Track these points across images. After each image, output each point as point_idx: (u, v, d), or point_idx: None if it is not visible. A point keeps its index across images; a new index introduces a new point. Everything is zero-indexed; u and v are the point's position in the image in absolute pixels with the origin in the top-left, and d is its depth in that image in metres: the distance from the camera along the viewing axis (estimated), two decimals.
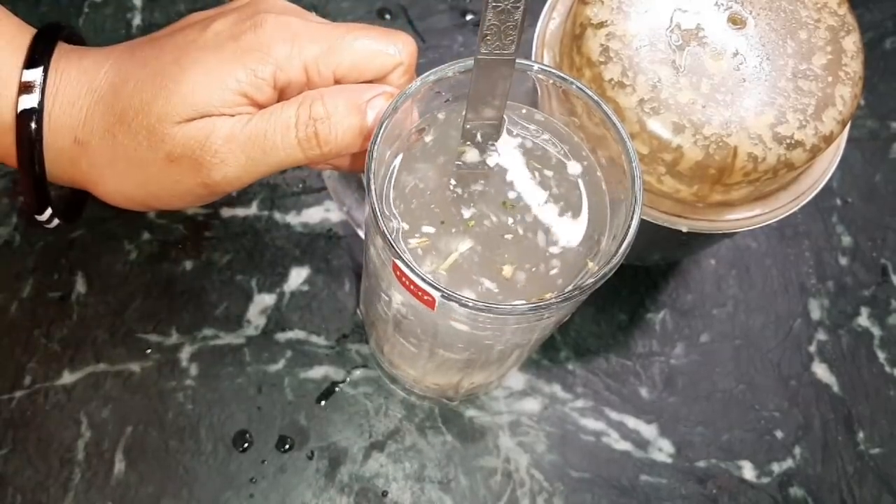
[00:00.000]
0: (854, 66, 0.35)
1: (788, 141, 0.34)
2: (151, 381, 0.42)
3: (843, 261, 0.49)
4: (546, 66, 0.30)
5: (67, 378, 0.42)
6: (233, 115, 0.31)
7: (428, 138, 0.31)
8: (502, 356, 0.36)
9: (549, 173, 0.31)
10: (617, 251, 0.28)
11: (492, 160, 0.31)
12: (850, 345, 0.47)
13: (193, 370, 0.43)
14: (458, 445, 0.43)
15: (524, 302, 0.29)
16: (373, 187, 0.28)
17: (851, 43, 0.36)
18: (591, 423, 0.44)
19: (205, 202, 0.34)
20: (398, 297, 0.31)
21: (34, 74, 0.31)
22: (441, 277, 0.29)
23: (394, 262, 0.27)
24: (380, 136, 0.29)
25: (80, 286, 0.44)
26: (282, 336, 0.44)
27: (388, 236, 0.27)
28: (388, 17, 0.52)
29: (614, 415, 0.44)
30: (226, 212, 0.46)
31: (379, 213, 0.28)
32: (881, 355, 0.47)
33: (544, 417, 0.44)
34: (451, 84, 0.30)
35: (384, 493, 0.42)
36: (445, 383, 0.41)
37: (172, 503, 0.40)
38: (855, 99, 0.35)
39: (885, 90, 0.54)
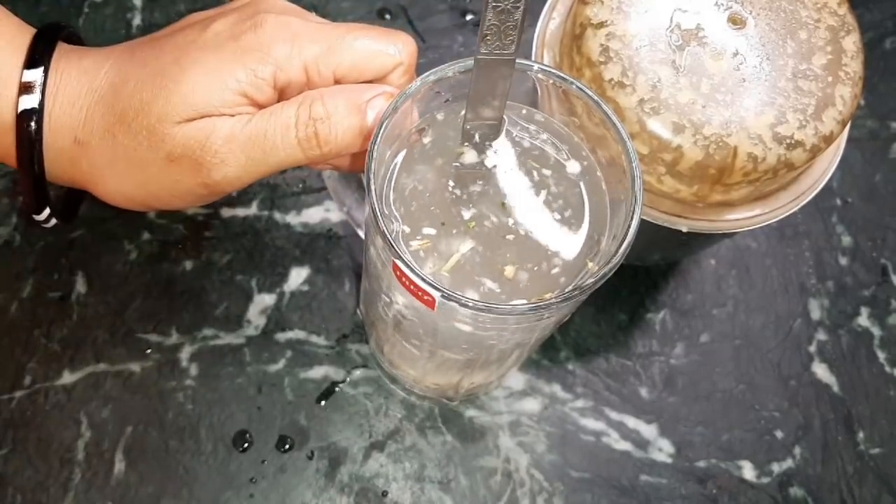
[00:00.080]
0: (854, 66, 0.35)
1: (788, 141, 0.34)
2: (151, 381, 0.42)
3: (843, 261, 0.49)
4: (546, 66, 0.30)
5: (67, 378, 0.42)
6: (233, 116, 0.31)
7: (426, 139, 0.31)
8: (502, 356, 0.36)
9: (548, 173, 0.31)
10: (617, 251, 0.28)
11: (491, 161, 0.31)
12: (850, 345, 0.47)
13: (193, 370, 0.43)
14: (458, 445, 0.43)
15: (524, 302, 0.29)
16: (373, 187, 0.28)
17: (851, 43, 0.36)
18: (591, 423, 0.44)
19: (205, 202, 0.34)
20: (398, 298, 0.31)
21: (34, 74, 0.31)
22: (444, 279, 0.29)
23: (394, 263, 0.27)
24: (380, 136, 0.29)
25: (80, 286, 0.44)
26: (282, 336, 0.44)
27: (388, 236, 0.27)
28: (388, 17, 0.52)
29: (614, 415, 0.44)
30: (226, 212, 0.46)
31: (379, 213, 0.28)
32: (881, 355, 0.47)
33: (544, 417, 0.44)
34: (451, 84, 0.30)
35: (384, 493, 0.42)
36: (445, 383, 0.41)
37: (172, 503, 0.40)
38: (855, 99, 0.35)
39: (885, 90, 0.54)
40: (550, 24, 0.39)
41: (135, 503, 0.40)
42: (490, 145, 0.31)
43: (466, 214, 0.30)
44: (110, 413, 0.42)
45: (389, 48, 0.32)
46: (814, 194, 0.38)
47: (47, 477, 0.40)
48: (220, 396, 0.42)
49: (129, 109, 0.31)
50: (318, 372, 0.43)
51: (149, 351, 0.43)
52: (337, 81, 0.32)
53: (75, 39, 0.35)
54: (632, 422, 0.44)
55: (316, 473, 0.42)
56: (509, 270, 0.30)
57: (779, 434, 0.45)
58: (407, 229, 0.30)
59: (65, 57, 0.32)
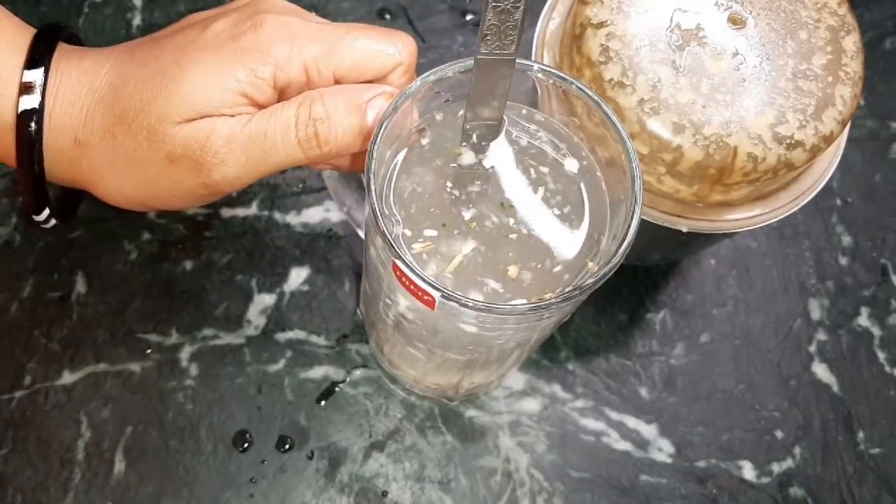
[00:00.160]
0: (854, 66, 0.35)
1: (788, 141, 0.34)
2: (151, 381, 0.42)
3: (843, 261, 0.49)
4: (546, 66, 0.30)
5: (67, 378, 0.42)
6: (233, 116, 0.31)
7: (425, 140, 0.31)
8: (502, 356, 0.36)
9: (548, 173, 0.31)
10: (617, 251, 0.28)
11: (489, 161, 0.31)
12: (850, 345, 0.47)
13: (193, 370, 0.43)
14: (458, 445, 0.43)
15: (524, 302, 0.29)
16: (373, 187, 0.28)
17: (851, 43, 0.36)
18: (591, 423, 0.44)
19: (205, 202, 0.34)
20: (399, 298, 0.31)
21: (35, 75, 0.31)
22: (447, 280, 0.29)
23: (394, 263, 0.27)
24: (380, 136, 0.29)
25: (80, 286, 0.44)
26: (282, 336, 0.44)
27: (388, 236, 0.27)
28: (388, 17, 0.52)
29: (614, 415, 0.44)
30: (226, 212, 0.46)
31: (379, 213, 0.28)
32: (881, 355, 0.47)
33: (544, 417, 0.44)
34: (451, 84, 0.30)
35: (384, 493, 0.42)
36: (445, 383, 0.41)
37: (172, 503, 0.40)
38: (855, 99, 0.35)
39: (885, 90, 0.54)
40: (550, 24, 0.39)
41: (135, 503, 0.40)
42: (489, 145, 0.31)
43: (467, 215, 0.30)
44: (110, 413, 0.42)
45: (389, 48, 0.32)
46: (814, 194, 0.38)
47: (47, 477, 0.40)
48: (220, 396, 0.42)
49: (130, 110, 0.31)
50: (318, 372, 0.43)
51: (149, 351, 0.43)
52: (337, 81, 0.32)
53: (75, 40, 0.35)
54: (632, 422, 0.44)
55: (316, 473, 0.42)
56: (512, 270, 0.30)
57: (779, 434, 0.45)
58: (408, 232, 0.30)
59: (65, 57, 0.32)
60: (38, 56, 0.32)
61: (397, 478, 0.42)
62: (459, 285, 0.29)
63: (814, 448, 0.44)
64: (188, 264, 0.45)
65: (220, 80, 0.30)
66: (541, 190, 0.31)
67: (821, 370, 0.46)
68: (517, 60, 0.29)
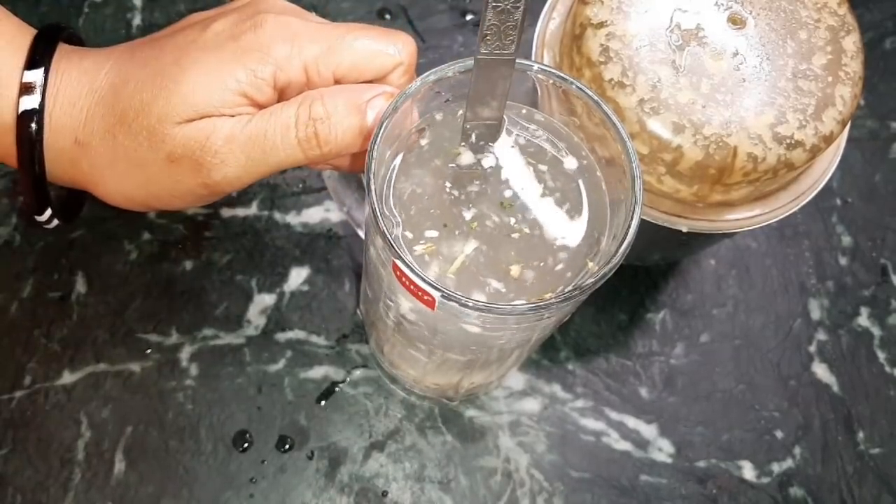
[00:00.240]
0: (854, 66, 0.35)
1: (788, 141, 0.34)
2: (151, 381, 0.42)
3: (843, 261, 0.49)
4: (546, 66, 0.30)
5: (67, 378, 0.42)
6: (233, 116, 0.31)
7: (424, 141, 0.31)
8: (502, 356, 0.36)
9: (549, 173, 0.31)
10: (617, 251, 0.28)
11: (489, 161, 0.31)
12: (850, 345, 0.47)
13: (193, 370, 0.43)
14: (458, 445, 0.43)
15: (524, 302, 0.29)
16: (373, 187, 0.28)
17: (851, 43, 0.36)
18: (591, 423, 0.44)
19: (205, 202, 0.34)
20: (399, 298, 0.31)
21: (35, 75, 0.31)
22: (449, 281, 0.29)
23: (394, 263, 0.27)
24: (380, 136, 0.29)
25: (80, 286, 0.44)
26: (282, 336, 0.44)
27: (388, 236, 0.27)
28: (388, 17, 0.52)
29: (614, 415, 0.44)
30: (226, 212, 0.46)
31: (379, 213, 0.28)
32: (881, 355, 0.47)
33: (544, 417, 0.44)
34: (451, 84, 0.30)
35: (384, 493, 0.42)
36: (445, 383, 0.41)
37: (172, 503, 0.40)
38: (855, 99, 0.35)
39: (885, 90, 0.54)
40: (550, 24, 0.39)
41: (135, 503, 0.40)
42: (488, 146, 0.31)
43: (467, 215, 0.30)
44: (110, 413, 0.42)
45: (389, 48, 0.32)
46: (814, 194, 0.38)
47: (47, 477, 0.40)
48: (220, 396, 0.42)
49: (130, 110, 0.31)
50: (318, 372, 0.43)
51: (149, 351, 0.43)
52: (337, 81, 0.32)
53: (76, 40, 0.35)
54: (632, 422, 0.44)
55: (316, 473, 0.42)
56: (515, 269, 0.30)
57: (779, 434, 0.45)
58: (410, 235, 0.30)
59: (65, 58, 0.32)
60: (39, 56, 0.32)
61: (397, 478, 0.42)
62: (462, 286, 0.29)
63: (814, 448, 0.44)
64: (188, 264, 0.45)
65: (220, 81, 0.30)
66: (541, 189, 0.31)
67: (821, 370, 0.46)
68: (517, 60, 0.29)
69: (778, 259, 0.48)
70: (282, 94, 0.32)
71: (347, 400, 0.43)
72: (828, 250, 0.49)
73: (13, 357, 0.42)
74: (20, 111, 0.31)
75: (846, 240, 0.49)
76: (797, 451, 0.44)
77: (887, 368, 0.47)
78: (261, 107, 0.31)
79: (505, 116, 0.31)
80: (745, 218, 0.37)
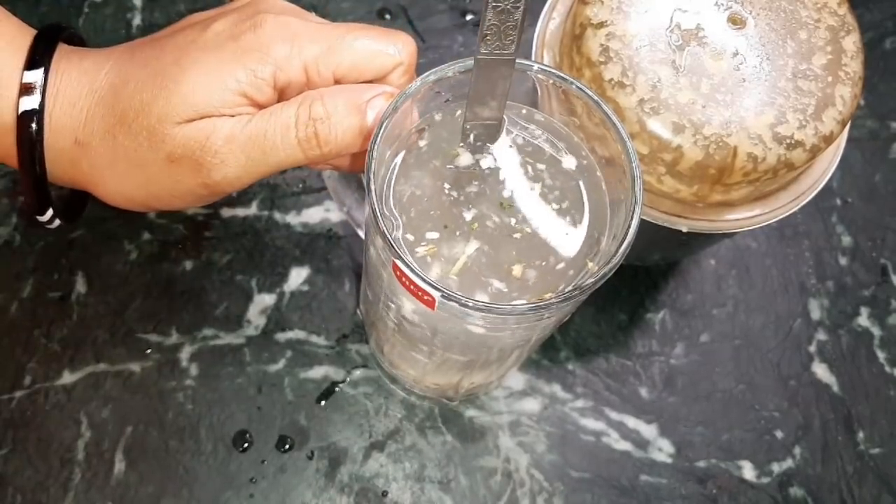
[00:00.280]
0: (854, 66, 0.35)
1: (788, 141, 0.34)
2: (151, 381, 0.42)
3: (843, 261, 0.49)
4: (546, 66, 0.30)
5: (67, 378, 0.42)
6: (233, 116, 0.31)
7: (423, 142, 0.31)
8: (502, 356, 0.36)
9: (548, 173, 0.31)
10: (617, 251, 0.28)
11: (488, 161, 0.31)
12: (850, 345, 0.47)
13: (193, 370, 0.43)
14: (458, 445, 0.43)
15: (524, 302, 0.29)
16: (373, 187, 0.28)
17: (851, 43, 0.36)
18: (591, 423, 0.44)
19: (205, 202, 0.34)
20: (399, 298, 0.31)
21: (35, 76, 0.31)
22: (452, 282, 0.29)
23: (394, 263, 0.27)
24: (380, 136, 0.29)
25: (80, 286, 0.44)
26: (282, 336, 0.44)
27: (388, 236, 0.27)
28: (388, 17, 0.52)
29: (614, 415, 0.44)
30: (226, 212, 0.46)
31: (379, 213, 0.28)
32: (881, 355, 0.47)
33: (544, 417, 0.44)
34: (451, 84, 0.30)
35: (384, 493, 0.42)
36: (445, 383, 0.41)
37: (172, 503, 0.40)
38: (855, 99, 0.35)
39: (885, 90, 0.54)
40: (550, 24, 0.39)
41: (135, 503, 0.40)
42: (487, 146, 0.31)
43: (468, 216, 0.30)
44: (110, 413, 0.42)
45: (389, 48, 0.32)
46: (814, 194, 0.38)
47: (47, 477, 0.40)
48: (220, 396, 0.42)
49: (130, 110, 0.31)
50: (318, 372, 0.43)
51: (149, 351, 0.43)
52: (337, 81, 0.32)
53: (77, 40, 0.35)
54: (632, 422, 0.44)
55: (316, 473, 0.42)
56: (517, 269, 0.30)
57: (779, 434, 0.45)
58: (411, 237, 0.30)
59: (65, 58, 0.32)
60: (39, 57, 0.32)
61: (397, 478, 0.42)
62: (464, 287, 0.29)
63: (814, 448, 0.44)
64: (188, 264, 0.45)
65: (220, 81, 0.30)
66: (541, 188, 0.31)
67: (821, 370, 0.46)
68: (517, 60, 0.29)
69: (778, 259, 0.48)
70: (282, 94, 0.32)
71: (347, 400, 0.43)
72: (828, 250, 0.49)
73: (13, 357, 0.42)
74: (20, 111, 0.31)
75: (846, 240, 0.49)
76: (797, 451, 0.44)
77: (887, 368, 0.47)
78: (261, 107, 0.31)
79: (505, 116, 0.31)
80: (745, 218, 0.37)
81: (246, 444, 0.42)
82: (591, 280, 0.28)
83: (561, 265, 0.30)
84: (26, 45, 0.32)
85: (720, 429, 0.44)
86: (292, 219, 0.46)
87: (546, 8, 0.40)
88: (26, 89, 0.31)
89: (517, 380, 0.44)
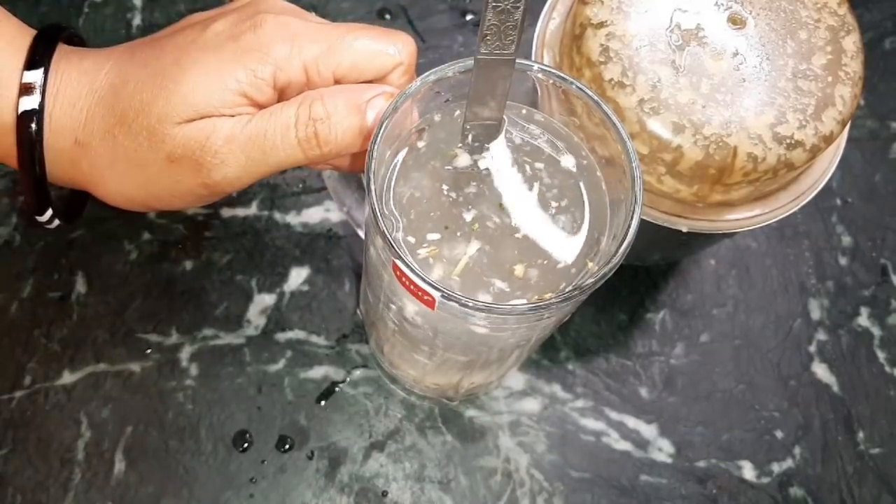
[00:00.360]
0: (854, 66, 0.35)
1: (788, 141, 0.34)
2: (151, 381, 0.42)
3: (843, 261, 0.49)
4: (546, 66, 0.30)
5: (67, 378, 0.42)
6: (233, 116, 0.31)
7: (423, 142, 0.31)
8: (502, 356, 0.36)
9: (548, 173, 0.31)
10: (617, 251, 0.28)
11: (487, 162, 0.31)
12: (850, 345, 0.47)
13: (193, 370, 0.43)
14: (458, 445, 0.43)
15: (524, 302, 0.29)
16: (373, 187, 0.28)
17: (851, 43, 0.36)
18: (591, 423, 0.44)
19: (205, 202, 0.34)
20: (399, 298, 0.31)
21: (35, 76, 0.31)
22: (454, 283, 0.29)
23: (394, 263, 0.27)
24: (380, 136, 0.29)
25: (80, 286, 0.44)
26: (282, 336, 0.44)
27: (388, 236, 0.27)
28: (388, 17, 0.52)
29: (614, 415, 0.44)
30: (226, 212, 0.46)
31: (379, 213, 0.28)
32: (881, 355, 0.47)
33: (544, 417, 0.44)
34: (451, 84, 0.30)
35: (384, 493, 0.42)
36: (445, 383, 0.41)
37: (172, 503, 0.40)
38: (855, 99, 0.35)
39: (885, 90, 0.54)
40: (550, 24, 0.39)
41: (135, 503, 0.40)
42: (488, 146, 0.31)
43: (468, 216, 0.30)
44: (110, 413, 0.42)
45: (389, 48, 0.32)
46: (814, 194, 0.38)
47: (47, 477, 0.40)
48: (220, 396, 0.42)
49: (130, 110, 0.31)
50: (318, 372, 0.43)
51: (149, 351, 0.43)
52: (337, 81, 0.32)
53: (77, 40, 0.35)
54: (632, 422, 0.44)
55: (316, 473, 0.42)
56: (519, 269, 0.30)
57: (779, 434, 0.45)
58: (412, 239, 0.30)
59: (65, 58, 0.32)
60: (38, 57, 0.32)
61: (397, 478, 0.42)
62: (467, 287, 0.29)
63: (814, 448, 0.44)
64: (188, 264, 0.45)
65: (220, 81, 0.30)
66: (541, 189, 0.31)
67: (821, 370, 0.46)
68: (517, 60, 0.29)
69: (778, 259, 0.48)
70: (282, 94, 0.32)
71: (347, 400, 0.43)
72: (828, 250, 0.49)
73: (13, 357, 0.42)
74: (20, 112, 0.31)
75: (846, 240, 0.49)
76: (797, 451, 0.44)
77: (887, 368, 0.47)
78: (261, 107, 0.31)
79: (505, 116, 0.31)
80: (745, 218, 0.37)
81: (246, 444, 0.42)
82: (591, 280, 0.28)
83: (562, 263, 0.30)
84: (26, 46, 0.32)
85: (720, 429, 0.44)
86: (292, 219, 0.46)
87: (546, 8, 0.40)
88: (26, 89, 0.31)
89: (517, 380, 0.44)
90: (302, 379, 0.43)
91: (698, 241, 0.42)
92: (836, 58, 0.35)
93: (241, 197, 0.47)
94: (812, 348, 0.47)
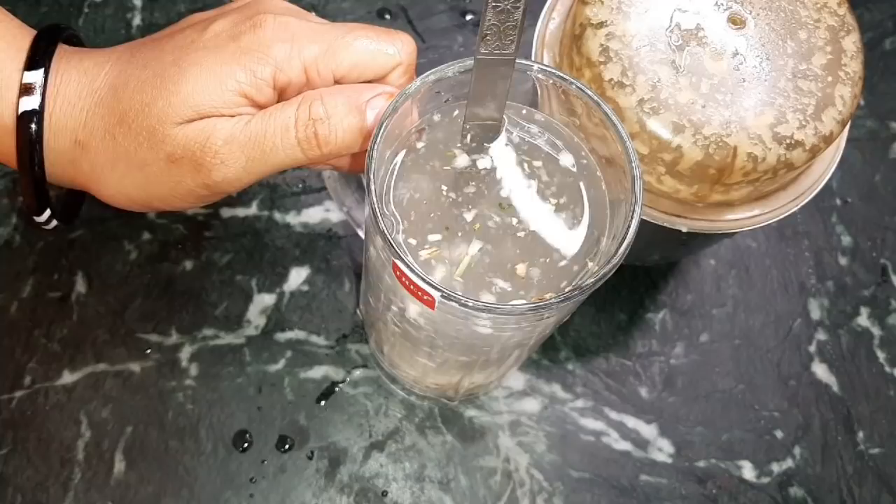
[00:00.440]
0: (854, 66, 0.35)
1: (788, 141, 0.34)
2: (151, 381, 0.42)
3: (843, 261, 0.49)
4: (546, 66, 0.30)
5: (67, 378, 0.42)
6: (233, 116, 0.31)
7: (422, 143, 0.31)
8: (502, 356, 0.36)
9: (548, 173, 0.31)
10: (617, 251, 0.28)
11: (489, 162, 0.31)
12: (850, 345, 0.47)
13: (193, 370, 0.43)
14: (458, 445, 0.43)
15: (524, 302, 0.29)
16: (373, 187, 0.28)
17: (851, 43, 0.36)
18: (591, 423, 0.44)
19: (205, 203, 0.34)
20: (398, 298, 0.31)
21: (35, 76, 0.31)
22: (457, 284, 0.29)
23: (394, 263, 0.27)
24: (380, 136, 0.29)
25: (80, 286, 0.44)
26: (282, 336, 0.44)
27: (388, 236, 0.27)
28: (388, 17, 0.52)
29: (614, 415, 0.44)
30: (226, 212, 0.46)
31: (379, 213, 0.28)
32: (881, 355, 0.47)
33: (544, 417, 0.44)
34: (451, 84, 0.30)
35: (384, 493, 0.42)
36: (445, 383, 0.41)
37: (172, 503, 0.40)
38: (855, 99, 0.35)
39: (885, 90, 0.54)
40: (550, 24, 0.39)
41: (135, 503, 0.40)
42: (486, 147, 0.31)
43: (468, 217, 0.30)
44: (110, 413, 0.42)
45: (389, 48, 0.32)
46: (814, 194, 0.38)
47: (47, 477, 0.40)
48: (220, 396, 0.42)
49: (130, 111, 0.31)
50: (318, 372, 0.43)
51: (149, 351, 0.43)
52: (337, 81, 0.32)
53: (76, 41, 0.35)
54: (632, 422, 0.44)
55: (316, 473, 0.42)
56: (521, 268, 0.30)
57: (779, 434, 0.45)
58: (413, 241, 0.30)
59: (65, 58, 0.32)
60: (39, 57, 0.32)
61: (397, 478, 0.42)
62: (469, 288, 0.29)
63: (814, 448, 0.44)
64: (188, 264, 0.45)
65: (220, 81, 0.30)
66: (541, 189, 0.31)
67: (821, 370, 0.46)
68: (517, 60, 0.29)
69: (778, 259, 0.48)
70: (282, 95, 0.32)
71: (347, 400, 0.43)
72: (828, 250, 0.49)
73: (13, 357, 0.42)
74: (20, 112, 0.31)
75: (846, 240, 0.49)
76: (797, 451, 0.44)
77: (887, 368, 0.47)
78: (261, 107, 0.32)
79: (505, 116, 0.31)
80: (745, 218, 0.37)
81: (246, 444, 0.42)
82: (591, 280, 0.28)
83: (564, 262, 0.30)
84: (26, 46, 0.32)
85: (720, 429, 0.44)
86: (292, 219, 0.46)
87: (546, 8, 0.40)
88: (26, 90, 0.31)
89: (517, 380, 0.44)
90: (302, 379, 0.43)
91: (698, 241, 0.42)
92: (836, 58, 0.35)
93: (241, 197, 0.47)
94: (812, 348, 0.47)
